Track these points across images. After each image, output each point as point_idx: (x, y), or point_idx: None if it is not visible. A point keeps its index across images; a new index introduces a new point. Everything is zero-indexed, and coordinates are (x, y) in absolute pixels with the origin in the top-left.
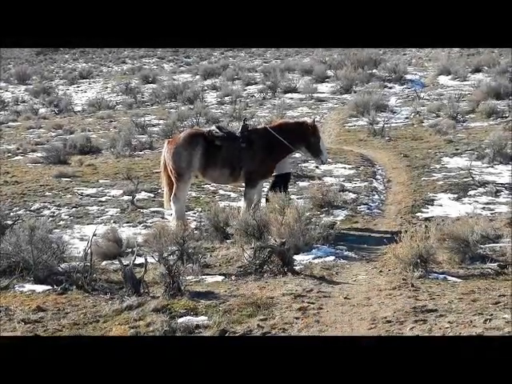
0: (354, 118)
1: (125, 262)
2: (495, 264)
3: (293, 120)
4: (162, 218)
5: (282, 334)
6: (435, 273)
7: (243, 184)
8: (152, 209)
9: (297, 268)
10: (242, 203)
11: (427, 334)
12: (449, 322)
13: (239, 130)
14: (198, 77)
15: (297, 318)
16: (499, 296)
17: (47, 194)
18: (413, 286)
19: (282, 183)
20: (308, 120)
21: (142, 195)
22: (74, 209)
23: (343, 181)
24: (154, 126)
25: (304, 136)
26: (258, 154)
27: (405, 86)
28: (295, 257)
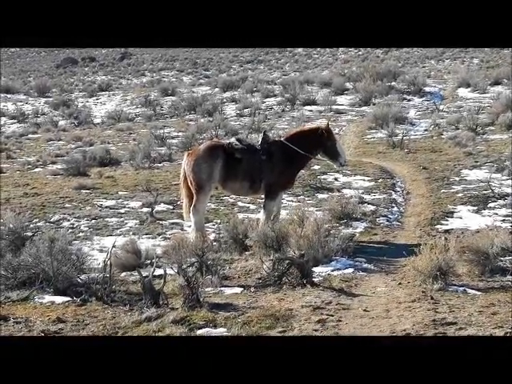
0: (373, 131)
1: (144, 274)
2: None
3: (307, 127)
4: (181, 229)
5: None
6: (455, 285)
7: (262, 196)
8: (171, 220)
9: (316, 280)
10: (261, 215)
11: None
12: (468, 335)
13: (259, 141)
14: (217, 89)
15: (316, 330)
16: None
17: (67, 205)
18: (432, 298)
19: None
20: (322, 125)
21: (161, 207)
22: (93, 220)
23: (362, 193)
24: (173, 138)
25: (320, 141)
26: (277, 165)
27: (424, 99)
28: (314, 269)
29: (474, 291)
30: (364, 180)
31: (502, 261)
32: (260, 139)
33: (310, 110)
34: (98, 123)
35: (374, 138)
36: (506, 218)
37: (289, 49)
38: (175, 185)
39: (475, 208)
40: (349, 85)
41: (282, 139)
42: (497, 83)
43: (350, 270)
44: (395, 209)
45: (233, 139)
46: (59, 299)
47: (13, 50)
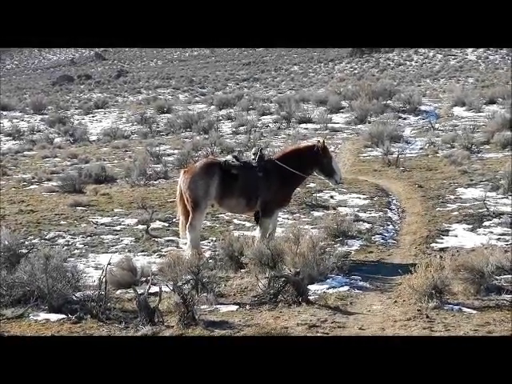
0: (369, 149)
1: (139, 291)
2: (511, 295)
3: (303, 144)
4: (177, 246)
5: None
6: (450, 304)
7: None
8: (167, 238)
9: (311, 298)
10: (256, 232)
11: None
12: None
13: (255, 159)
14: (212, 107)
15: None
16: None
17: (62, 222)
18: (427, 316)
19: None
20: (317, 142)
21: (157, 224)
22: (88, 237)
23: (358, 211)
24: (168, 155)
25: (316, 159)
26: (274, 183)
27: (419, 117)
28: (310, 286)
29: (469, 310)
30: (359, 198)
31: (497, 279)
32: (251, 156)
33: (306, 128)
34: (94, 140)
35: (369, 156)
36: (502, 237)
37: (284, 67)
38: (171, 202)
39: (470, 226)
40: (344, 103)
41: (275, 158)
42: (492, 102)
43: (346, 288)
44: (390, 227)
45: (229, 157)
46: (54, 317)
47: (9, 67)
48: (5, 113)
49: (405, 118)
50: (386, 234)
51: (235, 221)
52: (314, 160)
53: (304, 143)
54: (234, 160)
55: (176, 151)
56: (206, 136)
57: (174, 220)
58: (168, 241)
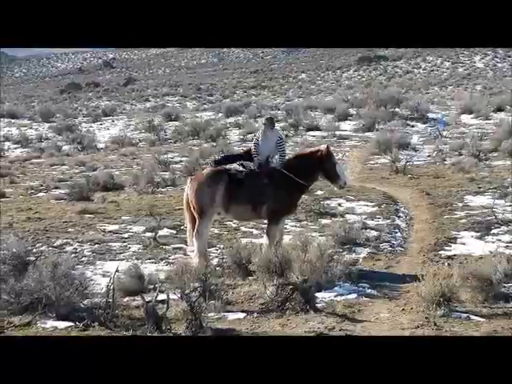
0: (377, 156)
1: (147, 299)
2: None
3: (308, 150)
4: (185, 254)
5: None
6: (458, 312)
7: (265, 221)
8: (174, 245)
9: (319, 305)
10: (264, 240)
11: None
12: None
13: (261, 166)
14: (220, 114)
15: None
16: None
17: (70, 230)
18: (435, 324)
19: None
20: (321, 147)
21: (165, 232)
22: (96, 245)
23: (365, 218)
24: (176, 163)
25: (320, 164)
26: (280, 190)
27: (427, 125)
28: (317, 294)
29: (477, 317)
30: (367, 205)
31: (505, 287)
32: (263, 164)
33: (314, 136)
34: (102, 148)
35: (377, 163)
36: (510, 244)
37: (293, 75)
38: (178, 209)
39: (478, 234)
40: (352, 111)
41: (281, 168)
42: (500, 110)
43: (354, 296)
44: (398, 234)
45: (235, 164)
46: (62, 324)
47: (17, 75)
48: (13, 120)
49: (412, 126)
50: (394, 242)
51: (243, 228)
52: (317, 165)
53: (309, 149)
54: (241, 167)
55: (184, 159)
56: (214, 144)
57: (181, 227)
58: (176, 248)
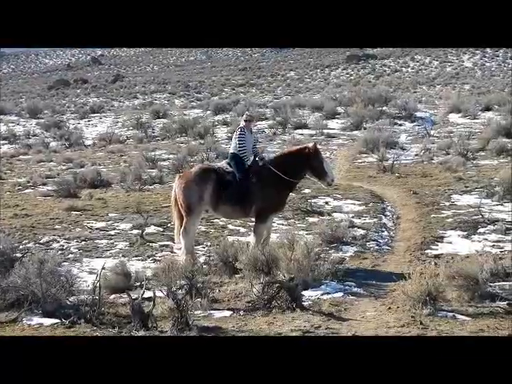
0: (364, 155)
1: (133, 296)
2: (505, 302)
3: (295, 147)
4: (171, 252)
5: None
6: (444, 310)
7: (253, 219)
8: (161, 243)
9: (305, 304)
10: (251, 238)
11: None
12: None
13: (250, 165)
14: (208, 112)
15: None
16: (509, 335)
17: (57, 227)
18: (421, 323)
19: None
20: (309, 144)
21: (152, 229)
22: (83, 242)
23: (352, 217)
24: (164, 160)
25: (307, 161)
26: (268, 188)
27: (415, 124)
28: (304, 292)
29: (463, 317)
30: (354, 204)
31: (491, 286)
32: (250, 162)
33: (301, 134)
34: (89, 145)
35: (364, 162)
36: (496, 244)
37: (281, 73)
38: (166, 207)
39: (465, 233)
40: (340, 109)
41: (269, 166)
42: (488, 109)
43: (340, 294)
44: (385, 233)
45: (224, 162)
46: (48, 321)
47: (5, 71)
48: (1, 117)
49: (400, 125)
50: (381, 241)
51: (230, 226)
52: (305, 162)
53: (296, 146)
54: (229, 166)
55: (171, 156)
56: (202, 141)
57: (168, 225)
58: (162, 246)
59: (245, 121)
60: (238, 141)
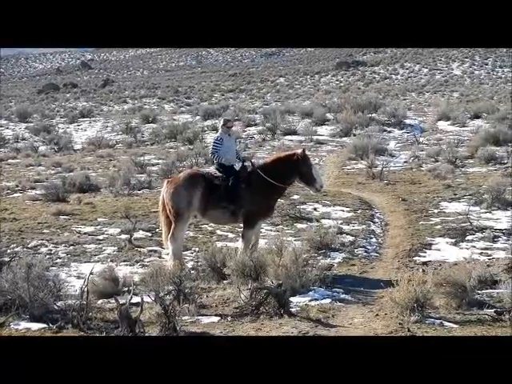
0: (353, 161)
1: (121, 301)
2: (492, 310)
3: (283, 153)
4: (159, 257)
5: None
6: (432, 318)
7: (241, 224)
8: (149, 248)
9: (293, 310)
10: (239, 244)
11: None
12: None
13: (238, 170)
14: (198, 117)
15: None
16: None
17: (45, 231)
18: (409, 330)
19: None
20: (298, 150)
21: (140, 234)
22: (71, 247)
23: (341, 223)
24: (153, 165)
25: (296, 167)
26: (256, 194)
27: (404, 131)
28: (292, 299)
29: (450, 324)
30: (343, 210)
31: (479, 294)
32: (239, 168)
33: (291, 140)
34: (79, 149)
35: (353, 168)
36: (484, 251)
37: (271, 79)
38: (154, 212)
39: (453, 240)
40: (330, 115)
41: (258, 170)
42: (476, 117)
43: (328, 301)
44: (374, 240)
45: (212, 168)
46: (35, 326)
47: None
48: None
49: (389, 132)
50: (369, 247)
51: (218, 232)
52: (293, 168)
53: (285, 152)
54: (217, 171)
55: (160, 161)
56: (191, 146)
57: (157, 230)
58: (151, 251)
59: (224, 125)
60: (212, 148)
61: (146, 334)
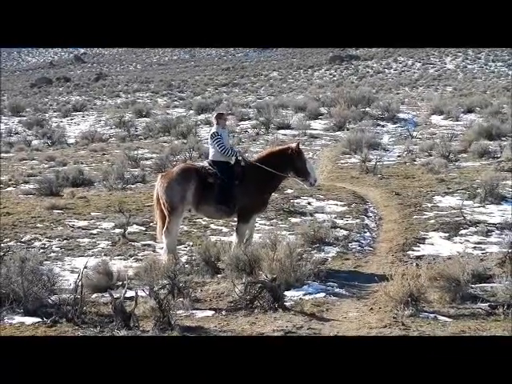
0: (347, 156)
1: (115, 295)
2: (486, 304)
3: (278, 147)
4: (154, 251)
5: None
6: (426, 312)
7: (235, 219)
8: (143, 242)
9: (287, 304)
10: (233, 238)
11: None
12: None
13: (232, 165)
14: (191, 111)
15: None
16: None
17: (38, 225)
18: (403, 324)
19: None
20: (292, 144)
21: (134, 228)
22: (65, 241)
23: (335, 218)
24: (146, 159)
25: (290, 161)
26: (250, 188)
27: (397, 125)
28: (286, 293)
29: (444, 318)
30: (337, 205)
31: (472, 288)
32: (233, 162)
33: (285, 134)
34: (72, 143)
35: (347, 163)
36: (477, 246)
37: (264, 73)
38: (148, 206)
39: (447, 235)
40: (323, 110)
41: (253, 161)
42: (470, 111)
43: (322, 295)
44: (367, 234)
45: (205, 162)
46: (29, 320)
47: None
48: None
49: (383, 126)
50: (363, 242)
51: (212, 226)
52: (288, 162)
53: (279, 146)
54: (211, 166)
55: (154, 155)
56: (185, 141)
57: (151, 224)
58: (145, 245)
59: (217, 118)
60: (217, 145)
61: (141, 329)
